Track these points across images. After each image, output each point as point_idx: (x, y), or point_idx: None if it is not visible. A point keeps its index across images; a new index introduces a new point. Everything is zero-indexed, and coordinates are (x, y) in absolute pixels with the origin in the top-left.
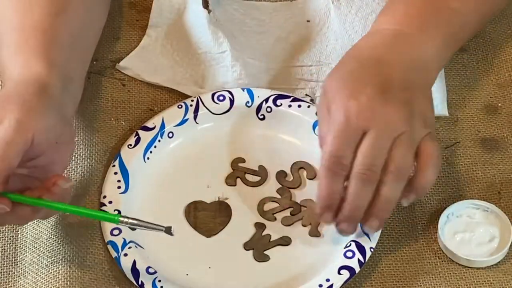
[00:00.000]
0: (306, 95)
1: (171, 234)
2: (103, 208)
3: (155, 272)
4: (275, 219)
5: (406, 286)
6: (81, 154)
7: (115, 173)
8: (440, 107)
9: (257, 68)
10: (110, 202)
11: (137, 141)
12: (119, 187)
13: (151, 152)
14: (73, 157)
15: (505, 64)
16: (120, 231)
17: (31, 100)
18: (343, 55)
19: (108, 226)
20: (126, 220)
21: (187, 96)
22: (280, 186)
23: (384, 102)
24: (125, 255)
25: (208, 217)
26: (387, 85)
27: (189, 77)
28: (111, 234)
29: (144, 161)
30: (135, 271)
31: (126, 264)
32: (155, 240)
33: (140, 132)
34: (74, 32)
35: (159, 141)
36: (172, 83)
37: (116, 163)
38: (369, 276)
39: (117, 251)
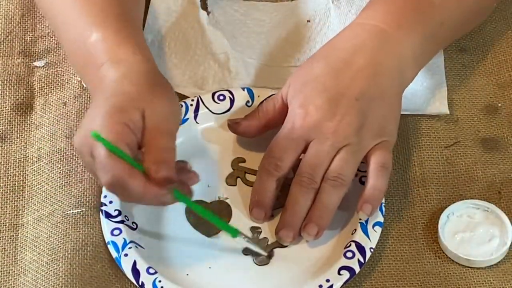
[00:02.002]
0: None
1: (267, 261)
2: (104, 208)
3: (156, 272)
4: (272, 216)
5: (406, 286)
6: None
7: None
8: (440, 105)
9: (257, 68)
10: (111, 202)
11: None
12: None
13: None
14: (73, 156)
15: (505, 64)
16: (121, 231)
17: (164, 78)
18: (319, 48)
19: (108, 226)
20: (243, 236)
21: (187, 96)
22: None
23: (332, 113)
24: (126, 255)
25: None
26: (342, 95)
27: (188, 79)
28: (112, 234)
29: None
30: (135, 271)
31: (126, 264)
32: (155, 240)
33: None
34: (140, 17)
35: None
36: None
37: None
38: (369, 276)
39: (118, 251)
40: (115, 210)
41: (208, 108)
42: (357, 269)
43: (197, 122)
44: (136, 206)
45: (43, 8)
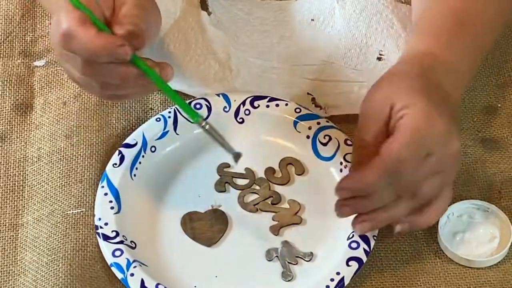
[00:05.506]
0: (308, 93)
1: (237, 160)
2: (100, 231)
3: None
4: (257, 210)
5: (406, 286)
6: (81, 154)
7: (105, 194)
8: None
9: (259, 67)
10: (106, 224)
11: (121, 159)
12: (112, 208)
13: (137, 168)
14: (73, 156)
15: (505, 64)
16: (122, 252)
17: None
18: (384, 74)
19: (108, 248)
20: (205, 125)
21: (189, 95)
22: (259, 177)
23: (452, 134)
24: (132, 275)
25: (205, 227)
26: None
27: (189, 79)
28: (113, 255)
29: (132, 178)
30: None
31: (134, 284)
32: (157, 257)
33: (123, 149)
34: None
35: (143, 156)
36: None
37: (105, 183)
38: (369, 276)
39: (123, 272)
40: (112, 231)
41: (186, 118)
42: (364, 258)
43: (177, 134)
44: (132, 224)
45: None
